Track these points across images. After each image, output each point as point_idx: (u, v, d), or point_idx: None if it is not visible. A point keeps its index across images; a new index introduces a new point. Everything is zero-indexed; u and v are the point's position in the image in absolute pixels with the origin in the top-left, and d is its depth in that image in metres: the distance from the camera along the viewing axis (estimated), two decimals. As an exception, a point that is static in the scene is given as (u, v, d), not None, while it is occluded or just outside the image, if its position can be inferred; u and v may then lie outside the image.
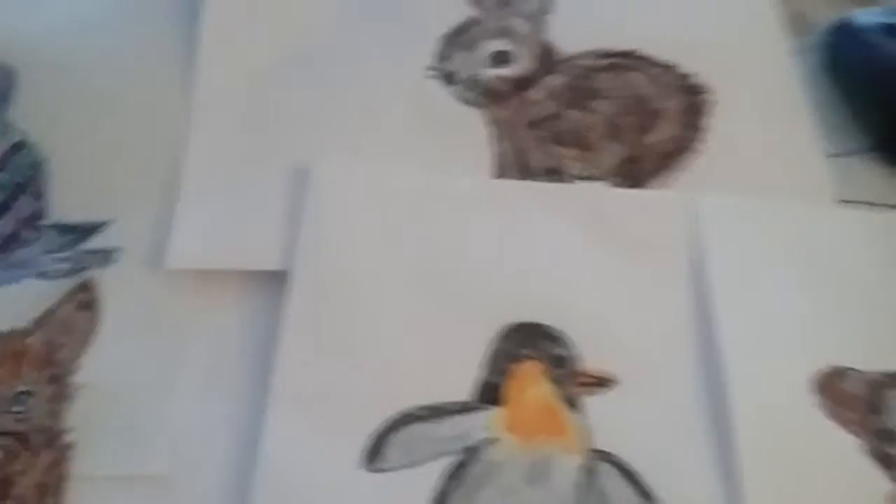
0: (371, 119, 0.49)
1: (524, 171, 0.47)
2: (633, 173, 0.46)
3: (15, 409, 0.39)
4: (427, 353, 0.41)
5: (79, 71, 0.50)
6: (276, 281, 0.43)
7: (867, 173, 0.47)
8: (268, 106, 0.49)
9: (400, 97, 0.49)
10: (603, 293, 0.42)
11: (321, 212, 0.44)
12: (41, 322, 0.42)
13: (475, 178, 0.46)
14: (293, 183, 0.45)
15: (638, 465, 0.38)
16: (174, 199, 0.45)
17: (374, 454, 0.38)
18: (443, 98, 0.49)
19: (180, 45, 0.51)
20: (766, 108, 0.48)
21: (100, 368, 0.41)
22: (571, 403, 0.39)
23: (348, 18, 0.53)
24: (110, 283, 0.43)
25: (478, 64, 0.50)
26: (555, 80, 0.50)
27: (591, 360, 0.40)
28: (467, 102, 0.49)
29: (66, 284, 0.43)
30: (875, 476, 0.37)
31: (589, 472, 0.38)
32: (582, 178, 0.46)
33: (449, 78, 0.50)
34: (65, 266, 0.44)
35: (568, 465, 0.38)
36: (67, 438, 0.39)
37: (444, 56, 0.51)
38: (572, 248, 0.43)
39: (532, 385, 0.40)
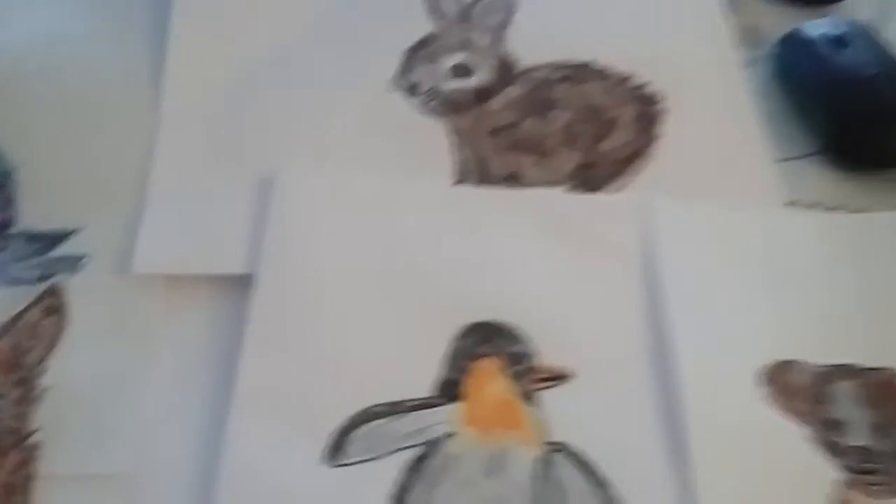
0: (335, 129, 0.50)
1: (484, 177, 0.48)
2: (589, 179, 0.48)
3: (-18, 411, 0.40)
4: (389, 353, 0.42)
5: (48, 81, 0.51)
6: (241, 285, 0.43)
7: (814, 176, 0.48)
8: (234, 115, 0.50)
9: (364, 108, 0.51)
10: (559, 292, 0.43)
11: (285, 217, 0.45)
12: (9, 327, 0.42)
13: (436, 185, 0.47)
14: (258, 189, 0.46)
15: (593, 455, 0.39)
16: (141, 206, 0.46)
17: (336, 450, 0.39)
18: (405, 109, 0.51)
19: (148, 56, 0.52)
20: (716, 115, 0.50)
21: (66, 371, 0.41)
22: (528, 398, 0.40)
23: (314, 33, 0.54)
24: (78, 289, 0.44)
25: (439, 76, 0.52)
26: (513, 91, 0.51)
27: (548, 356, 0.41)
28: (429, 113, 0.51)
29: (35, 291, 0.44)
30: (822, 464, 0.39)
31: (545, 464, 0.39)
32: (539, 184, 0.48)
33: (411, 90, 0.51)
34: (34, 273, 0.44)
35: (524, 457, 0.39)
36: (34, 439, 0.39)
37: (406, 69, 0.52)
38: (530, 250, 0.45)
39: (490, 381, 0.41)
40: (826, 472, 0.38)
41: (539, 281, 0.44)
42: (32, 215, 0.46)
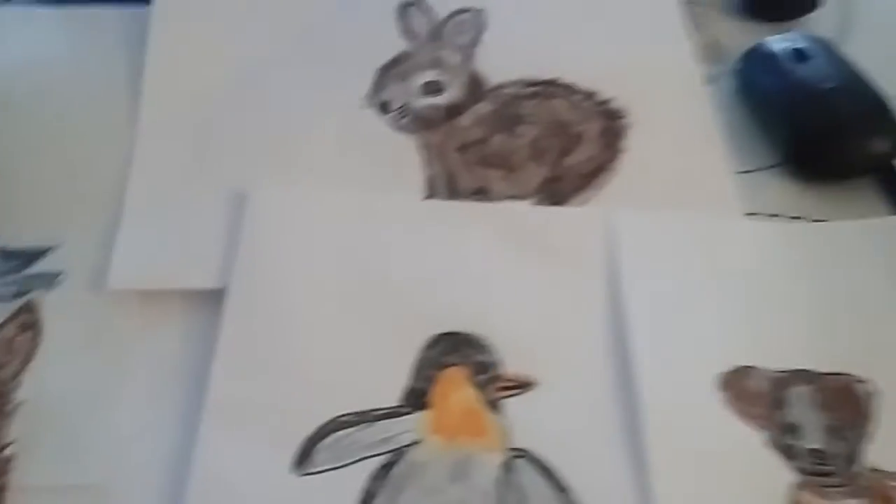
0: (308, 145, 0.51)
1: (453, 192, 0.49)
2: (555, 192, 0.49)
3: (-43, 424, 0.41)
4: (357, 363, 0.43)
5: (24, 99, 0.52)
6: (215, 300, 0.44)
7: (775, 188, 0.49)
8: (208, 133, 0.51)
9: (336, 125, 0.52)
10: (524, 303, 0.44)
11: (258, 232, 0.46)
12: (-17, 342, 0.43)
13: (407, 199, 0.48)
14: (232, 206, 0.47)
15: (554, 461, 0.40)
16: (117, 223, 0.47)
17: (304, 459, 0.40)
18: (377, 126, 0.52)
19: (124, 75, 0.53)
20: (680, 130, 0.51)
21: (41, 385, 0.42)
22: (493, 406, 0.41)
23: (288, 51, 0.55)
24: (53, 305, 0.45)
25: (411, 93, 0.53)
26: (483, 108, 0.52)
27: (512, 365, 0.42)
28: (400, 129, 0.52)
29: (11, 307, 0.45)
30: (778, 467, 0.40)
31: (508, 469, 0.39)
32: (507, 198, 0.49)
33: (384, 107, 0.53)
34: (10, 290, 0.45)
35: (488, 463, 0.40)
36: (8, 452, 0.40)
37: (379, 86, 0.53)
38: (496, 262, 0.46)
39: (456, 390, 0.42)
40: (781, 475, 0.39)
41: (505, 292, 0.45)
42: (9, 233, 0.47)
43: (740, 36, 0.56)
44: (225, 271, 0.45)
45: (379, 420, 0.41)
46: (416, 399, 0.42)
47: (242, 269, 0.45)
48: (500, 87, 0.53)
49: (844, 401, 0.41)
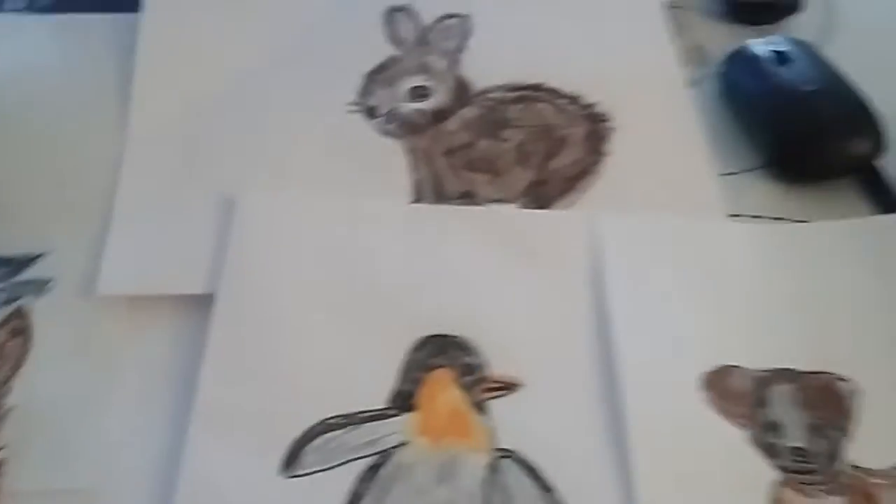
0: (297, 150, 0.51)
1: (440, 195, 0.50)
2: (540, 196, 0.50)
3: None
4: (345, 366, 0.43)
5: (13, 107, 0.53)
6: (204, 305, 0.45)
7: (757, 189, 0.50)
8: (197, 139, 0.52)
9: (324, 130, 0.52)
10: (510, 305, 0.45)
11: (246, 236, 0.47)
12: (-26, 349, 0.44)
13: (394, 203, 0.49)
14: (221, 211, 0.48)
15: (539, 461, 0.40)
16: (106, 230, 0.48)
17: (292, 462, 0.40)
18: (364, 131, 0.52)
19: (113, 82, 0.54)
20: (663, 133, 0.52)
21: (31, 391, 0.43)
22: (479, 407, 0.42)
23: (276, 57, 0.56)
24: (43, 311, 0.45)
25: (398, 99, 0.54)
26: (469, 113, 0.53)
27: (498, 366, 0.43)
28: (387, 134, 0.52)
29: (1, 314, 0.45)
30: (760, 465, 0.40)
31: (494, 470, 0.40)
32: (493, 201, 0.49)
33: (371, 112, 0.53)
34: (0, 297, 0.46)
35: (474, 464, 0.40)
36: (-1, 456, 0.41)
37: (366, 92, 0.54)
38: (482, 265, 0.46)
39: (443, 391, 0.42)
40: (763, 473, 0.40)
41: (490, 295, 0.45)
42: (-1, 240, 0.47)
43: (723, 39, 0.56)
44: (213, 276, 0.45)
45: (366, 422, 0.41)
46: (402, 401, 0.42)
47: (231, 274, 0.45)
48: (486, 91, 0.54)
49: (826, 399, 0.42)
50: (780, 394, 0.42)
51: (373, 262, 0.46)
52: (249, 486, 0.39)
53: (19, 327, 0.44)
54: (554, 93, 0.53)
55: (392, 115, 0.53)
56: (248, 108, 0.53)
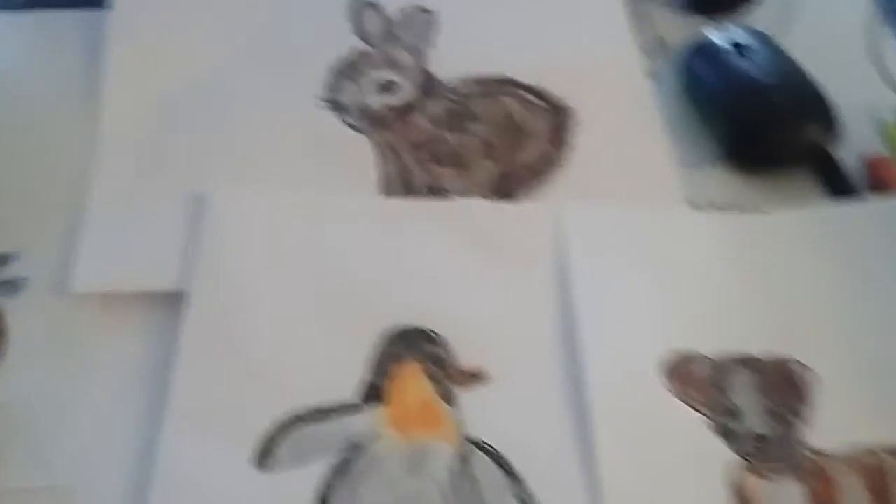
0: (265, 146, 0.52)
1: (408, 189, 0.51)
2: (506, 188, 0.51)
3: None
4: (316, 360, 0.44)
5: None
6: (177, 302, 0.45)
7: (717, 180, 0.51)
8: (168, 136, 0.52)
9: (292, 125, 0.53)
10: (477, 297, 0.46)
11: (217, 234, 0.47)
12: (-50, 350, 0.44)
13: (362, 198, 0.50)
14: (192, 208, 0.48)
15: (507, 450, 0.41)
16: (79, 229, 0.48)
17: (264, 455, 0.41)
18: (332, 125, 0.53)
19: (83, 80, 0.54)
20: (624, 124, 0.53)
21: (7, 390, 0.43)
22: (448, 399, 0.43)
23: (245, 54, 0.56)
24: (18, 311, 0.46)
25: (365, 93, 0.54)
26: (435, 106, 0.54)
27: (466, 358, 0.44)
28: (355, 129, 0.53)
29: (-25, 315, 0.45)
30: (720, 449, 0.41)
31: (463, 460, 0.41)
32: (460, 195, 0.50)
33: (338, 106, 0.54)
34: (-27, 298, 0.46)
35: (443, 455, 0.41)
36: (-25, 456, 0.41)
37: (333, 86, 0.55)
38: (450, 258, 0.47)
39: (412, 384, 0.43)
40: (723, 457, 0.41)
41: (458, 287, 0.46)
42: (-29, 242, 0.48)
43: (683, 30, 0.57)
44: (186, 273, 0.46)
45: (337, 415, 0.42)
46: (373, 394, 0.43)
47: (202, 271, 0.46)
48: (453, 85, 0.55)
49: (785, 385, 0.43)
50: (740, 380, 0.43)
51: (342, 256, 0.47)
52: (224, 480, 0.40)
53: (-6, 327, 0.45)
54: (519, 86, 0.54)
55: (359, 110, 0.53)
56: (218, 105, 0.54)
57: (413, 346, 0.44)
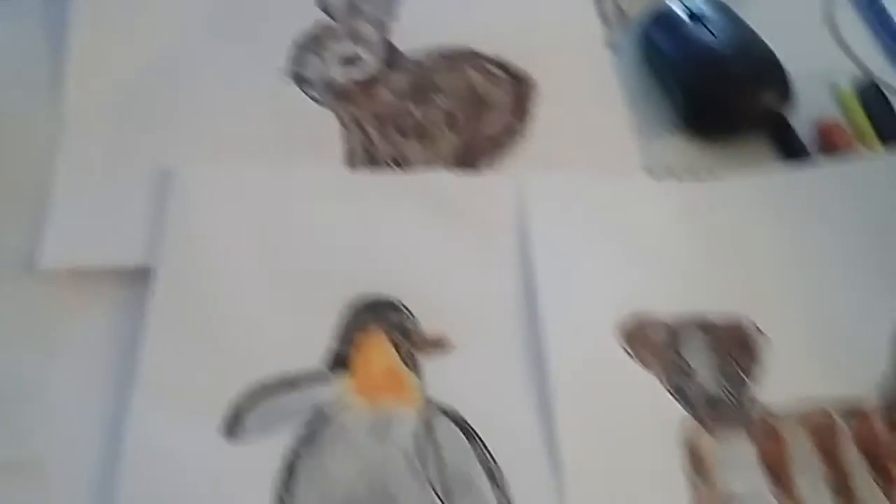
0: (230, 120, 0.52)
1: (372, 162, 0.51)
2: (469, 159, 0.51)
3: None
4: (282, 331, 0.45)
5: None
6: (143, 278, 0.46)
7: (675, 147, 0.52)
8: (134, 112, 0.52)
9: (257, 100, 0.53)
10: (441, 267, 0.47)
11: (183, 209, 0.48)
12: (-83, 328, 0.45)
13: (327, 171, 0.50)
14: (158, 183, 0.49)
15: (469, 415, 0.42)
16: (44, 207, 0.48)
17: (232, 425, 0.42)
18: (296, 98, 0.54)
19: (47, 57, 0.54)
20: (584, 94, 0.54)
21: (-25, 367, 0.44)
22: (412, 366, 0.44)
23: (207, 29, 0.56)
24: (-16, 289, 0.46)
25: (329, 66, 0.55)
26: (399, 79, 0.55)
27: (430, 325, 0.45)
28: (319, 102, 0.53)
29: (-58, 295, 0.46)
30: (673, 409, 0.43)
31: (426, 425, 0.42)
32: (423, 166, 0.51)
33: (302, 80, 0.54)
34: (-60, 276, 0.47)
35: (407, 420, 0.42)
36: (-56, 432, 0.42)
37: (297, 60, 0.55)
38: (414, 229, 0.48)
39: (377, 351, 0.44)
40: (676, 415, 0.43)
41: (422, 257, 0.47)
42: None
43: (642, 1, 0.58)
44: (153, 248, 0.47)
45: (304, 383, 0.43)
46: (339, 361, 0.44)
47: (169, 246, 0.46)
48: (416, 58, 0.55)
49: (736, 345, 0.45)
50: (694, 342, 0.44)
51: (308, 229, 0.48)
52: (193, 450, 0.41)
53: (-39, 305, 0.45)
54: (481, 58, 0.55)
55: (323, 83, 0.54)
56: (183, 81, 0.54)
57: (378, 315, 0.45)
